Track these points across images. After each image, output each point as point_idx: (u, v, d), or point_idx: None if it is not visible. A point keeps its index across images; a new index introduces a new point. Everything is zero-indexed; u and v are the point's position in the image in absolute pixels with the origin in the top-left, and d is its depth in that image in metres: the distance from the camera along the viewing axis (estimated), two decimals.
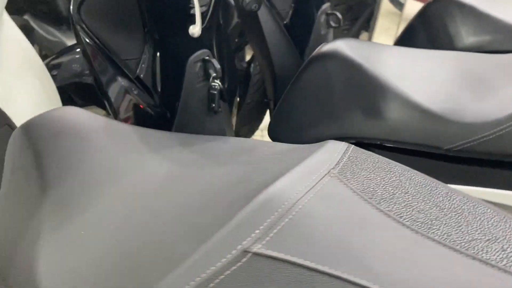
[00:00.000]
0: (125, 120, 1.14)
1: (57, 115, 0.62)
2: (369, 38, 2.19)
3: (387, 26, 2.19)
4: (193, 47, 1.17)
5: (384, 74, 0.84)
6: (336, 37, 1.35)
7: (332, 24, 1.62)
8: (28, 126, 0.61)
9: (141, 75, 1.11)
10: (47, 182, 0.51)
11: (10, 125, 0.98)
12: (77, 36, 1.09)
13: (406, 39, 1.36)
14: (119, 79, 1.09)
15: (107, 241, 0.43)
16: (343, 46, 0.91)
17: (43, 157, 0.55)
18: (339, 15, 1.57)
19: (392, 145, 0.81)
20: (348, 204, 0.39)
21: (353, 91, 0.87)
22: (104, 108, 1.32)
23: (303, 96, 0.97)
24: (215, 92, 1.24)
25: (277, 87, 1.59)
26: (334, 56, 0.90)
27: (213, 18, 1.19)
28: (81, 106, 1.27)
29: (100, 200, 0.49)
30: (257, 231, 0.36)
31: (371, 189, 0.41)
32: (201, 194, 0.47)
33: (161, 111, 1.18)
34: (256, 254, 0.35)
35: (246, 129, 1.90)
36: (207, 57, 1.20)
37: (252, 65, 1.96)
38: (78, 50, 1.30)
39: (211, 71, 1.22)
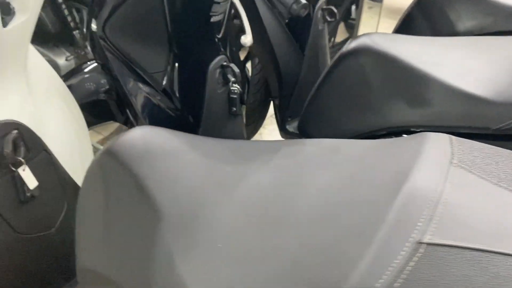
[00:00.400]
0: None
1: (139, 135, 0.64)
2: (356, 29, 2.26)
3: (369, 16, 2.27)
4: (212, 54, 1.19)
5: (421, 63, 0.89)
6: None
7: (328, 18, 1.67)
8: (114, 149, 0.62)
9: (167, 86, 1.12)
10: (157, 204, 0.53)
11: (47, 151, 0.97)
12: (99, 53, 1.09)
13: (405, 28, 1.42)
14: (146, 91, 1.10)
15: (255, 252, 0.44)
16: (373, 41, 0.95)
17: (143, 179, 0.56)
18: (334, 9, 1.61)
19: (440, 130, 0.86)
20: (483, 190, 0.43)
21: (392, 83, 0.91)
22: (122, 122, 1.32)
23: (336, 91, 1.01)
24: (235, 96, 1.26)
25: (282, 85, 1.63)
26: (367, 51, 0.95)
27: (228, 25, 1.21)
28: (96, 123, 1.26)
29: (221, 214, 0.50)
30: (420, 223, 0.39)
31: (494, 173, 0.45)
32: (327, 194, 0.50)
33: (186, 118, 1.20)
34: (430, 244, 0.38)
35: (251, 128, 1.93)
36: (225, 63, 1.22)
37: (246, 65, 1.99)
38: (87, 69, 1.29)
39: (229, 76, 1.25)
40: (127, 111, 1.17)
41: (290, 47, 1.57)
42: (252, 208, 0.51)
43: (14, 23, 0.86)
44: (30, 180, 0.92)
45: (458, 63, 0.90)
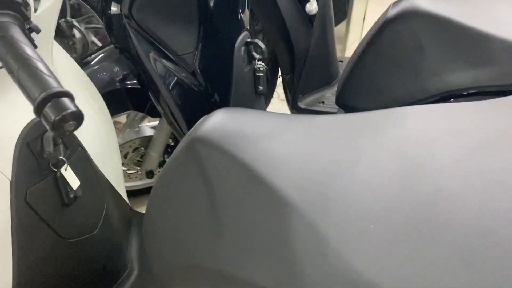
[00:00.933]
0: (184, 113, 1.08)
1: (228, 118, 0.58)
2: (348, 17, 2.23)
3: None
4: (238, 31, 1.12)
5: (475, 22, 0.87)
6: None
7: None
8: (205, 134, 0.56)
9: (196, 67, 1.06)
10: (277, 189, 0.48)
11: (82, 148, 0.90)
12: (119, 37, 1.01)
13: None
14: (176, 72, 1.03)
15: (414, 232, 0.41)
16: (419, 3, 0.91)
17: (251, 163, 0.51)
18: None
19: (499, 90, 0.85)
20: None
21: (447, 45, 0.88)
22: (141, 110, 1.25)
23: (383, 59, 0.97)
24: (261, 74, 1.21)
25: (294, 60, 1.58)
26: (415, 15, 0.91)
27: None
28: (112, 114, 1.18)
29: (357, 194, 0.46)
30: None
31: None
32: (471, 163, 0.46)
33: (215, 99, 1.14)
34: None
35: None
36: (249, 39, 1.16)
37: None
38: (97, 60, 1.20)
39: (253, 53, 1.19)
40: (151, 96, 1.10)
41: (300, 20, 1.52)
42: (389, 185, 0.47)
43: (43, 7, 0.78)
44: (72, 180, 0.85)
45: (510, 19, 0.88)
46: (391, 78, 0.96)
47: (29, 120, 0.79)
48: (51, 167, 0.81)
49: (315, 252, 0.45)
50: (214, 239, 0.55)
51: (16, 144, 0.76)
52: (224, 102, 1.15)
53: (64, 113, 0.43)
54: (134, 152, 1.41)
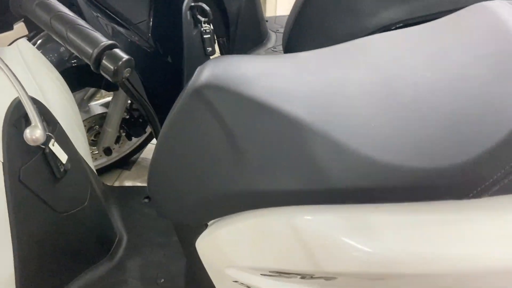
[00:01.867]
0: (143, 78, 1.11)
1: (219, 67, 0.66)
2: None
3: None
4: None
5: None
6: None
7: None
8: (207, 83, 0.63)
9: (151, 34, 1.09)
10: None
11: (60, 124, 0.91)
12: (79, 14, 1.01)
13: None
14: (134, 40, 1.06)
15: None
16: None
17: (258, 97, 0.60)
18: None
19: (429, 18, 0.99)
20: None
21: None
22: (100, 86, 1.25)
23: (323, 7, 1.07)
24: (208, 36, 1.27)
25: (228, 20, 1.65)
26: None
27: None
28: (73, 90, 1.17)
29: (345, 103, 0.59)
30: None
31: None
32: (434, 70, 0.59)
33: (170, 63, 1.18)
34: None
35: None
36: (193, 4, 1.21)
37: None
38: (45, 39, 1.17)
39: (199, 16, 1.24)
40: None
41: None
42: (374, 91, 0.59)
43: None
44: (60, 154, 0.87)
45: None
46: (333, 22, 1.07)
47: (12, 101, 0.79)
48: (40, 144, 0.82)
49: (330, 150, 0.56)
50: (235, 167, 0.63)
51: (3, 125, 0.76)
52: (178, 64, 1.20)
53: (120, 62, 0.48)
54: (88, 132, 1.41)
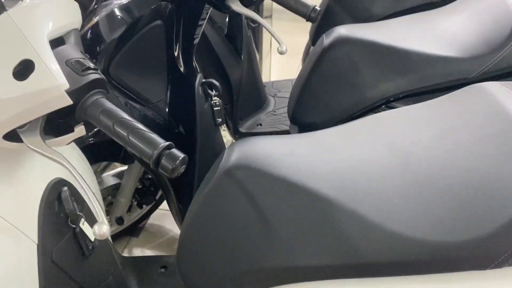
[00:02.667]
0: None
1: (247, 148, 0.72)
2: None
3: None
4: (194, 74, 1.25)
5: (393, 41, 1.11)
6: None
7: (252, 24, 1.84)
8: (237, 163, 0.69)
9: (168, 111, 1.17)
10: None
11: (86, 203, 0.95)
12: None
13: (325, 21, 1.64)
14: (152, 118, 1.13)
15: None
16: (347, 32, 1.13)
17: (285, 176, 0.66)
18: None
19: (424, 90, 1.09)
20: None
21: (374, 62, 1.10)
22: (118, 160, 1.31)
23: (326, 79, 1.16)
24: (218, 108, 1.35)
25: (231, 89, 1.74)
26: (346, 41, 1.12)
27: (199, 45, 1.29)
28: (91, 164, 1.22)
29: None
30: None
31: None
32: (440, 150, 0.66)
33: (185, 137, 1.24)
34: None
35: None
36: (203, 80, 1.30)
37: None
38: None
39: (209, 91, 1.33)
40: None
41: (231, 55, 1.69)
42: (392, 167, 0.65)
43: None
44: (89, 232, 0.90)
45: (421, 35, 1.15)
46: (336, 95, 1.16)
47: (48, 182, 0.83)
48: (69, 223, 0.86)
49: (357, 226, 0.62)
50: (266, 243, 0.68)
51: (40, 208, 0.80)
52: (191, 135, 1.27)
53: (177, 162, 0.53)
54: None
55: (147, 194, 1.48)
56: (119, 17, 1.00)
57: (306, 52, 2.58)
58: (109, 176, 1.47)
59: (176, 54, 1.12)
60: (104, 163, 1.40)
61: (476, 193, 0.60)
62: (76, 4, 0.65)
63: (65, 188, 0.86)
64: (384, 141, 0.72)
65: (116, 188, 1.43)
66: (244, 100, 1.83)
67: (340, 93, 1.15)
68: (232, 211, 0.71)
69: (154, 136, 0.55)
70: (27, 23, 0.53)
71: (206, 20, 1.18)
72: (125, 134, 0.55)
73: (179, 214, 1.32)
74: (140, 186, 1.46)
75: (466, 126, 0.70)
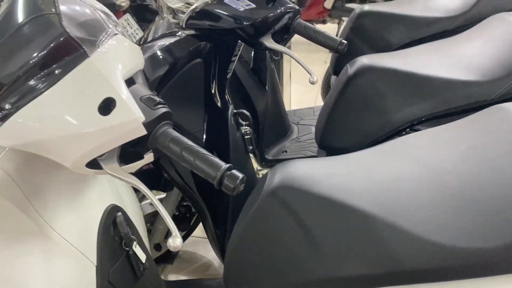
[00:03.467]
0: (196, 180, 1.24)
1: (290, 170, 0.80)
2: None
3: None
4: (227, 105, 1.34)
5: (415, 68, 1.19)
6: None
7: (274, 57, 1.94)
8: (282, 184, 0.77)
9: (205, 141, 1.25)
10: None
11: (136, 227, 1.03)
12: None
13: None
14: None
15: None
16: (371, 61, 1.22)
17: (328, 195, 0.73)
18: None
19: (446, 113, 1.16)
20: None
21: (399, 88, 1.18)
22: (155, 188, 1.39)
23: (352, 106, 1.24)
24: (249, 136, 1.43)
25: (258, 119, 1.83)
26: (370, 71, 1.21)
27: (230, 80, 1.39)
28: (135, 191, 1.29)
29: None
30: None
31: None
32: (468, 172, 0.73)
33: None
34: None
35: None
36: (235, 110, 1.39)
37: None
38: None
39: (240, 120, 1.42)
40: (166, 173, 1.26)
41: (257, 86, 1.79)
42: (426, 183, 0.72)
43: None
44: (141, 254, 0.97)
45: (440, 61, 1.23)
46: (362, 120, 1.24)
47: (105, 208, 0.91)
48: (123, 246, 0.94)
49: (397, 237, 0.68)
50: (312, 258, 0.74)
51: (98, 231, 0.88)
52: (225, 162, 1.34)
53: (237, 181, 0.61)
54: None
55: (183, 221, 1.55)
56: (161, 57, 1.10)
57: (325, 81, 2.68)
58: (147, 204, 1.55)
59: (212, 88, 1.21)
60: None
61: (505, 202, 0.66)
62: (139, 48, 0.74)
63: (119, 213, 0.94)
64: (416, 160, 0.79)
65: (153, 215, 1.50)
66: (270, 128, 1.91)
67: (366, 119, 1.22)
68: (278, 229, 0.77)
69: (216, 159, 0.63)
70: (106, 66, 0.62)
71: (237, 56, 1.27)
72: (192, 158, 0.63)
73: (216, 239, 1.38)
74: (176, 213, 1.53)
75: (490, 143, 0.76)
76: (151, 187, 1.41)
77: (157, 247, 1.54)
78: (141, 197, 1.53)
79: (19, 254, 0.77)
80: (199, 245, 1.89)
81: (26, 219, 0.74)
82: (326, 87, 2.68)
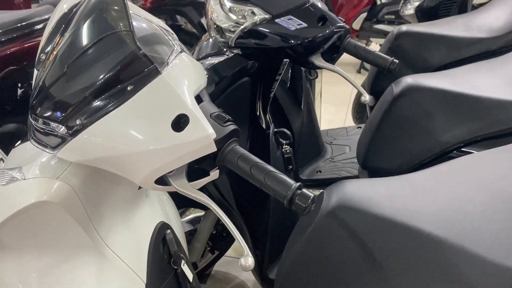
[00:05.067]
0: (237, 198, 1.23)
1: (348, 190, 0.78)
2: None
3: None
4: (268, 125, 1.34)
5: (464, 89, 1.17)
6: None
7: (310, 77, 1.95)
8: (338, 210, 0.75)
9: None
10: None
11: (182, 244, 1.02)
12: None
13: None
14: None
15: None
16: (417, 81, 1.21)
17: (390, 216, 0.71)
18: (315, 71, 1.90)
19: (496, 134, 1.13)
20: None
21: (448, 108, 1.16)
22: (196, 206, 1.38)
23: (398, 126, 1.22)
24: (289, 155, 1.42)
25: (294, 139, 1.82)
26: (417, 90, 1.19)
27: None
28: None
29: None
30: None
31: None
32: None
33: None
34: None
35: None
36: (276, 130, 1.39)
37: None
38: None
39: (281, 139, 1.41)
40: (208, 192, 1.25)
41: (293, 106, 1.79)
42: (493, 205, 0.69)
43: None
44: (188, 273, 0.96)
45: (490, 81, 1.20)
46: (408, 141, 1.22)
47: (155, 225, 0.91)
48: (172, 264, 0.92)
49: (468, 262, 0.65)
50: (374, 282, 0.72)
51: (149, 248, 0.87)
52: None
53: (309, 201, 0.60)
54: None
55: (220, 240, 1.54)
56: (209, 76, 1.11)
57: (356, 101, 2.67)
58: (184, 223, 1.54)
59: (257, 107, 1.22)
60: (181, 210, 1.48)
61: None
62: (201, 66, 0.75)
63: (168, 230, 0.93)
64: (479, 182, 0.76)
65: (191, 234, 1.49)
66: (304, 148, 1.90)
67: (412, 139, 1.20)
68: (338, 250, 0.75)
69: (286, 177, 0.62)
70: (177, 83, 0.62)
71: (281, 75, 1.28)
72: (261, 176, 0.62)
73: (255, 260, 1.36)
74: (214, 232, 1.52)
75: None
76: (190, 205, 1.42)
77: (193, 266, 1.52)
78: (180, 214, 1.53)
79: (73, 269, 0.77)
80: (232, 265, 1.87)
81: (84, 235, 0.74)
82: (358, 108, 2.66)
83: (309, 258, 0.79)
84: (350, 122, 3.16)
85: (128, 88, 0.61)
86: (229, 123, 0.66)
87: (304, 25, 1.02)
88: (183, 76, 0.65)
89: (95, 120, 0.61)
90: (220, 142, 0.63)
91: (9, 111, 2.09)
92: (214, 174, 0.67)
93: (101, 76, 0.61)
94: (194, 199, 0.67)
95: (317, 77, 1.93)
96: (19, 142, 0.86)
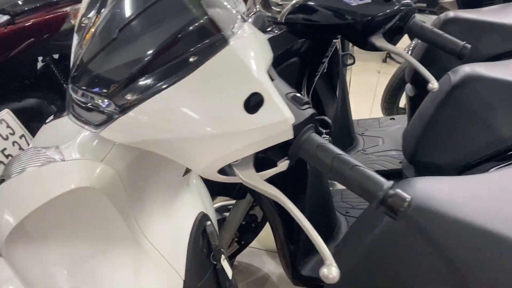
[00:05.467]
0: None
1: (422, 189, 0.69)
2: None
3: None
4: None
5: None
6: None
7: (346, 63, 1.84)
8: (411, 210, 0.66)
9: None
10: None
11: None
12: None
13: (427, 58, 1.62)
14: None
15: None
16: (477, 70, 1.10)
17: (472, 221, 0.62)
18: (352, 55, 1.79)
19: None
20: None
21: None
22: (228, 195, 1.30)
23: (454, 118, 1.12)
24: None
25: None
26: (477, 80, 1.09)
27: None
28: None
29: None
30: None
31: None
32: None
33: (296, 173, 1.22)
34: None
35: None
36: (316, 117, 1.29)
37: None
38: None
39: (320, 128, 1.31)
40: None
41: (328, 92, 1.69)
42: None
43: None
44: (228, 270, 0.88)
45: None
46: (466, 135, 1.11)
47: (195, 217, 0.82)
48: (211, 259, 0.84)
49: None
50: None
51: (189, 241, 0.79)
52: (303, 173, 1.24)
53: (405, 204, 0.50)
54: None
55: (248, 231, 1.46)
56: None
57: (387, 92, 2.54)
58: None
59: (303, 90, 1.12)
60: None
61: None
62: (266, 39, 0.65)
63: (209, 222, 0.85)
64: None
65: (219, 223, 1.41)
66: (337, 137, 1.80)
67: (471, 133, 1.10)
68: (412, 255, 0.67)
69: (375, 174, 0.52)
70: (247, 56, 0.53)
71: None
72: (345, 171, 0.53)
73: (287, 254, 1.27)
74: (243, 222, 1.44)
75: None
76: (224, 194, 1.33)
77: None
78: None
79: (110, 261, 0.68)
80: (255, 256, 1.79)
81: (123, 225, 0.66)
82: (389, 98, 2.54)
83: (376, 263, 0.71)
84: (376, 113, 3.02)
85: (191, 60, 0.51)
86: (306, 105, 0.56)
87: (368, 0, 0.91)
88: (251, 49, 0.55)
89: (150, 96, 0.51)
90: (297, 128, 0.53)
91: (29, 85, 2.02)
92: (283, 165, 0.58)
93: (159, 45, 0.52)
94: (260, 192, 0.58)
95: (354, 63, 1.81)
96: (52, 117, 0.77)
